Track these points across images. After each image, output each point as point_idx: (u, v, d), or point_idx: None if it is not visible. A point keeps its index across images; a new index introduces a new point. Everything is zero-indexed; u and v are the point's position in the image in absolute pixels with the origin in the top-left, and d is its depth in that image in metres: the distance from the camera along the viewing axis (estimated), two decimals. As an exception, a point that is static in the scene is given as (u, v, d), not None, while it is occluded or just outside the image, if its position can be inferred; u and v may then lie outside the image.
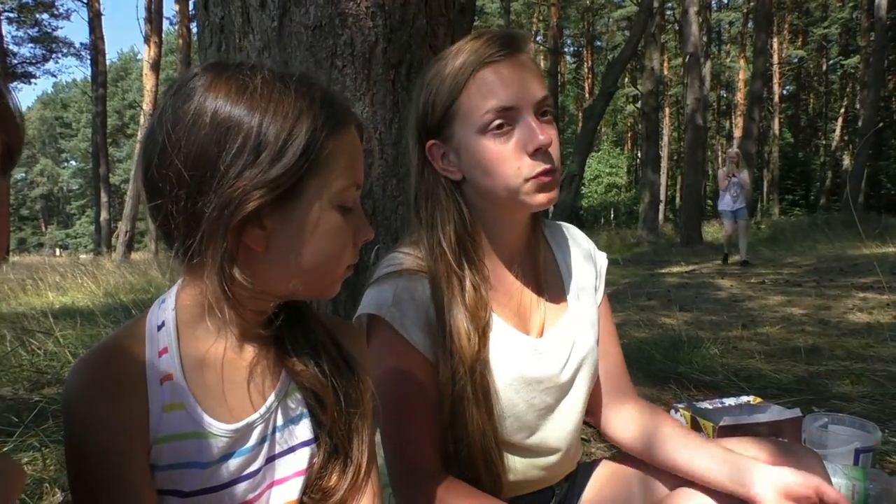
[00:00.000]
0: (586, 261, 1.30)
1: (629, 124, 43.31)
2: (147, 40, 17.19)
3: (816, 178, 34.48)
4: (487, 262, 1.16)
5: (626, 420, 1.30)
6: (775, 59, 31.45)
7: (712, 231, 18.00)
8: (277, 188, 0.73)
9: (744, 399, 1.96)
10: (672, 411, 1.92)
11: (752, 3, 28.85)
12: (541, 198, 1.08)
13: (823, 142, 38.74)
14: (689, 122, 16.79)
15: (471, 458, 1.12)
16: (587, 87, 38.59)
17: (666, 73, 31.91)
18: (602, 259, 1.34)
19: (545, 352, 1.17)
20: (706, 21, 25.64)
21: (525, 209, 1.11)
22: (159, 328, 0.79)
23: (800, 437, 1.76)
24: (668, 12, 28.11)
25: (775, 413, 1.79)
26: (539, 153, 1.06)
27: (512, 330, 1.16)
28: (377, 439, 1.10)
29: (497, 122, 1.05)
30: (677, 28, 26.53)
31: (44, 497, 1.78)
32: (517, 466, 1.18)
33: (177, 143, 0.73)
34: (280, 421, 0.84)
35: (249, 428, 0.81)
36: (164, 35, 19.17)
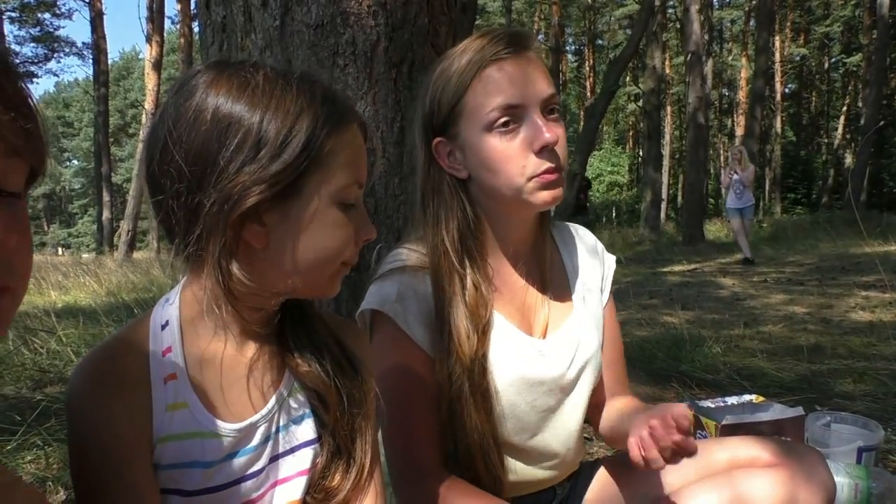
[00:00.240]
0: (593, 262, 1.30)
1: (631, 123, 43.24)
2: (149, 39, 17.18)
3: (818, 177, 34.42)
4: (492, 261, 1.16)
5: (610, 405, 1.32)
6: (777, 57, 31.38)
7: (714, 230, 17.98)
8: (277, 184, 0.73)
9: (746, 398, 1.96)
10: (674, 410, 1.91)
11: (753, 2, 28.83)
12: (545, 196, 1.08)
13: (825, 140, 38.67)
14: (691, 120, 16.75)
15: (470, 457, 1.12)
16: (589, 86, 38.54)
17: (668, 71, 31.85)
18: (610, 261, 1.34)
19: (548, 353, 1.17)
20: (708, 19, 25.63)
21: (529, 208, 1.11)
22: (163, 327, 0.80)
23: (802, 436, 1.76)
24: (670, 10, 28.06)
25: (778, 412, 1.79)
26: (545, 151, 1.05)
27: (515, 330, 1.16)
28: (378, 437, 1.10)
29: (503, 119, 1.05)
30: (679, 26, 26.49)
31: (47, 495, 1.78)
32: (517, 467, 1.18)
33: (178, 140, 0.73)
34: (283, 420, 0.84)
35: (253, 427, 0.81)
36: (165, 34, 19.16)
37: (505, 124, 1.05)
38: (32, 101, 0.51)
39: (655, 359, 3.37)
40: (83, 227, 53.89)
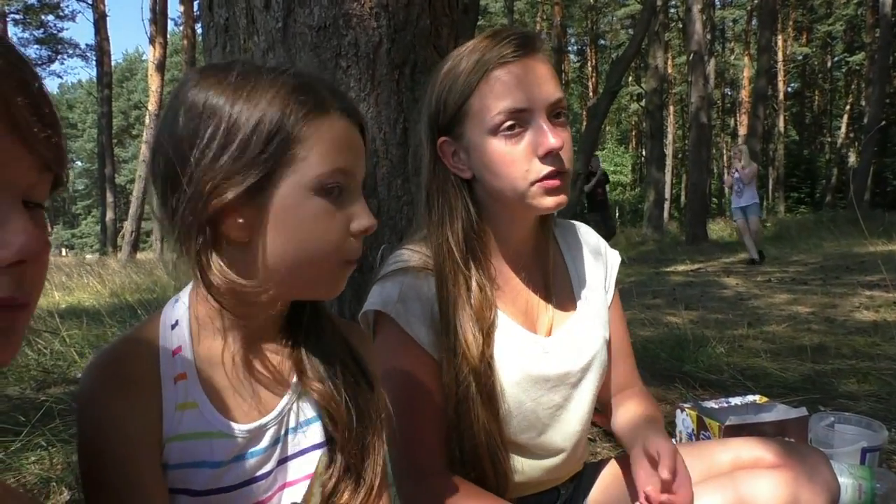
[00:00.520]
0: (596, 260, 1.30)
1: (633, 123, 43.21)
2: (152, 41, 17.21)
3: (822, 176, 34.32)
4: (495, 262, 1.16)
5: (623, 410, 1.31)
6: (780, 56, 31.34)
7: (717, 229, 17.95)
8: (247, 176, 0.73)
9: (750, 398, 1.96)
10: (678, 411, 1.91)
11: (755, 1, 28.76)
12: (548, 202, 1.07)
13: (829, 139, 38.59)
14: (694, 120, 16.74)
15: (476, 457, 1.12)
16: (591, 86, 38.52)
17: (670, 71, 31.82)
18: (614, 257, 1.34)
19: (553, 351, 1.17)
20: (710, 19, 25.59)
21: (532, 212, 1.11)
22: (173, 327, 0.80)
23: (806, 437, 1.76)
24: (672, 10, 28.04)
25: (781, 412, 1.79)
26: (549, 156, 1.05)
27: (519, 329, 1.16)
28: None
29: (508, 123, 1.04)
30: (681, 26, 26.47)
31: (51, 496, 1.79)
32: (523, 467, 1.18)
33: (161, 139, 0.76)
34: (292, 423, 0.84)
35: (262, 429, 0.81)
36: (168, 36, 19.19)
37: (510, 128, 1.05)
38: (58, 115, 0.53)
39: (659, 359, 3.37)
40: (87, 227, 54.02)
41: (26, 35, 32.64)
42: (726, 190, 10.33)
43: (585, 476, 1.33)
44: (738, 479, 1.15)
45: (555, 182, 1.06)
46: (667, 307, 5.61)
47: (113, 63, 26.09)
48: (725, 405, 1.89)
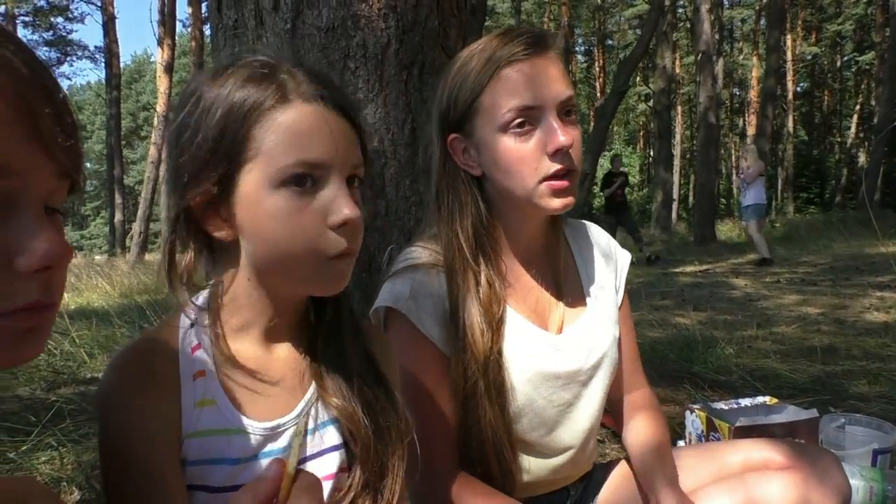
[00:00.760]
0: (606, 260, 1.30)
1: (641, 123, 43.07)
2: (160, 43, 17.29)
3: (831, 176, 34.11)
4: (505, 259, 1.16)
5: (633, 433, 1.30)
6: (789, 56, 31.17)
7: (726, 230, 17.87)
8: (216, 168, 0.73)
9: (760, 399, 1.95)
10: (687, 412, 1.91)
11: (764, 0, 28.63)
12: (556, 203, 1.08)
13: (838, 139, 38.37)
14: (702, 120, 16.67)
15: (482, 454, 1.12)
16: (599, 87, 38.41)
17: (678, 71, 31.72)
18: (624, 258, 1.33)
19: (564, 348, 1.17)
20: (718, 19, 25.50)
21: (540, 212, 1.11)
22: (192, 325, 0.80)
23: (816, 438, 1.75)
24: (680, 10, 27.94)
25: (791, 414, 1.78)
26: (559, 154, 1.05)
27: (530, 326, 1.16)
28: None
29: (518, 120, 1.05)
30: (689, 26, 26.38)
31: (62, 496, 1.80)
32: (530, 466, 1.18)
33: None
34: (311, 424, 0.84)
35: (280, 429, 0.81)
36: (177, 38, 19.29)
37: (520, 125, 1.05)
38: (78, 122, 0.54)
39: (667, 360, 3.35)
40: (95, 229, 54.27)
41: (36, 37, 32.91)
42: (734, 190, 10.25)
43: (595, 476, 1.33)
44: (748, 480, 1.15)
45: (563, 183, 1.06)
46: (675, 308, 5.59)
47: (122, 65, 26.22)
48: (735, 406, 1.89)
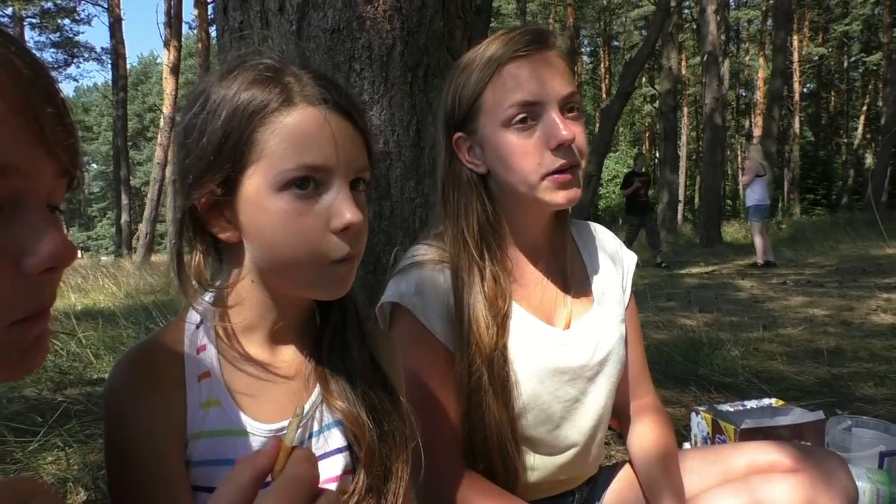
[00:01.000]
0: (613, 261, 1.30)
1: (647, 124, 43.00)
2: (167, 44, 17.37)
3: (838, 177, 33.99)
4: (511, 255, 1.17)
5: (638, 439, 1.30)
6: (795, 56, 31.08)
7: (732, 231, 17.83)
8: (220, 171, 0.73)
9: (766, 401, 1.94)
10: (693, 414, 1.90)
11: (770, 1, 28.54)
12: (559, 197, 1.08)
13: (845, 140, 38.22)
14: (708, 121, 16.64)
15: (486, 449, 1.12)
16: (604, 88, 38.40)
17: (684, 72, 31.64)
18: (630, 258, 1.34)
19: (570, 343, 1.17)
20: (724, 19, 25.43)
21: (544, 207, 1.11)
22: (198, 326, 0.81)
23: (823, 441, 1.74)
24: (686, 11, 27.88)
25: (798, 416, 1.77)
26: (561, 149, 1.05)
27: (536, 321, 1.16)
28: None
29: (520, 116, 1.05)
30: (695, 27, 26.31)
31: (67, 496, 1.80)
32: (535, 463, 1.18)
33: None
34: (316, 426, 0.84)
35: (286, 431, 0.81)
36: (183, 39, 19.35)
37: (522, 121, 1.06)
38: (74, 121, 0.55)
39: (673, 362, 3.35)
40: (102, 229, 54.51)
41: (43, 39, 33.09)
42: (740, 191, 10.18)
43: (600, 479, 1.33)
44: (755, 483, 1.15)
45: (566, 176, 1.06)
46: (681, 310, 5.58)
47: (128, 66, 26.33)
48: (741, 408, 1.88)
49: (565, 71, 1.10)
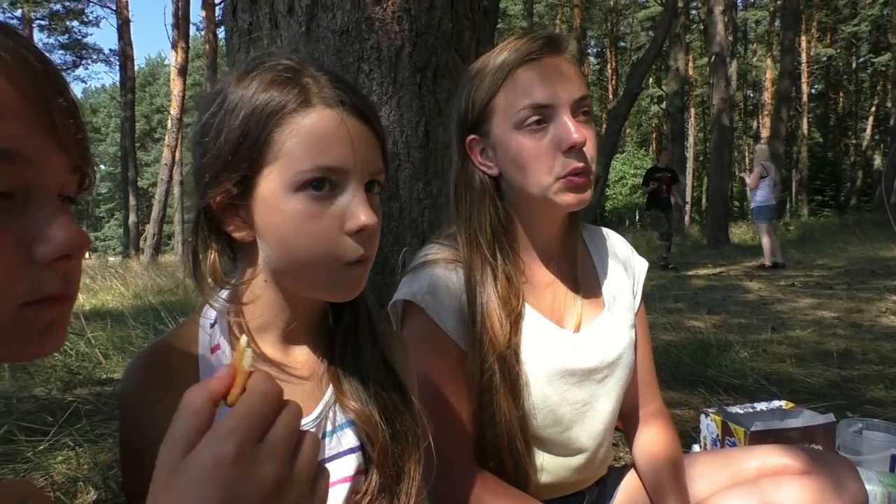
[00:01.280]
0: (624, 266, 1.30)
1: (654, 125, 42.94)
2: (174, 46, 17.43)
3: (847, 179, 33.85)
4: (523, 257, 1.17)
5: (645, 444, 1.30)
6: (803, 57, 30.97)
7: (739, 233, 17.77)
8: (236, 170, 0.74)
9: (776, 404, 1.93)
10: (702, 416, 1.89)
11: (778, 2, 28.44)
12: (570, 198, 1.08)
13: (854, 141, 38.04)
14: (715, 122, 16.59)
15: (496, 447, 1.12)
16: (611, 89, 38.34)
17: (691, 73, 31.59)
18: (641, 264, 1.34)
19: (580, 346, 1.17)
20: (732, 20, 25.34)
21: (555, 208, 1.11)
22: (212, 325, 0.81)
23: (834, 443, 1.73)
24: (693, 12, 27.83)
25: (808, 418, 1.76)
26: (573, 151, 1.06)
27: (547, 323, 1.16)
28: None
29: (532, 118, 1.06)
30: (702, 28, 26.25)
31: (77, 495, 1.81)
32: (546, 465, 1.18)
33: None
34: (329, 427, 0.84)
35: None
36: (190, 41, 19.42)
37: (534, 123, 1.07)
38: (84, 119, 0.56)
39: (682, 363, 3.34)
40: (110, 230, 54.79)
41: (52, 41, 33.28)
42: (747, 193, 10.10)
43: (610, 480, 1.33)
44: (764, 485, 1.15)
45: (578, 179, 1.07)
46: (689, 311, 5.56)
47: (136, 68, 26.46)
48: (751, 410, 1.87)
49: (577, 75, 1.11)
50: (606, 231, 1.34)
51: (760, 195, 9.44)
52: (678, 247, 15.69)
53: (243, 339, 0.54)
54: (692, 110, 34.46)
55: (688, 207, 25.55)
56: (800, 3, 21.31)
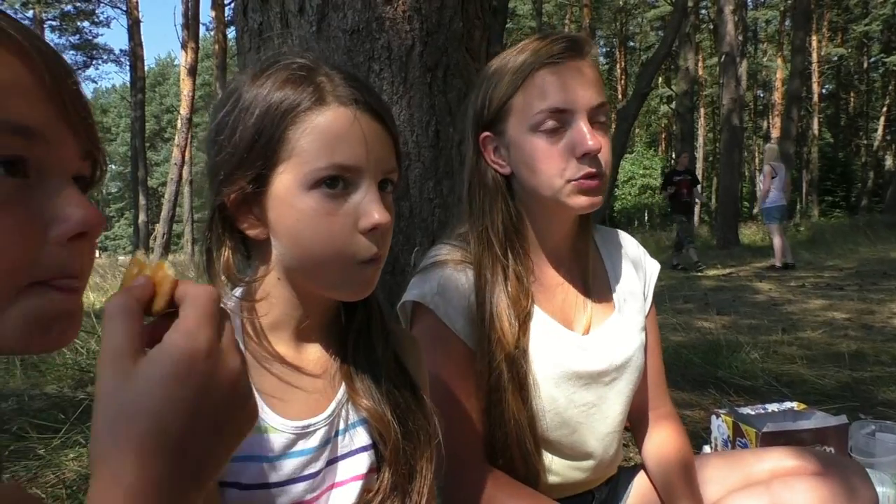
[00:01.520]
0: (635, 268, 1.30)
1: (663, 125, 42.77)
2: (184, 46, 17.50)
3: (857, 179, 33.62)
4: (534, 258, 1.17)
5: (656, 446, 1.29)
6: (814, 57, 30.77)
7: (749, 233, 17.68)
8: (251, 168, 0.74)
9: (787, 405, 1.92)
10: (713, 416, 1.89)
11: (789, 1, 28.28)
12: (581, 201, 1.08)
13: (865, 141, 37.76)
14: (725, 122, 16.51)
15: (506, 446, 1.12)
16: (620, 89, 38.21)
17: (701, 73, 31.46)
18: (653, 266, 1.33)
19: (589, 349, 1.17)
20: (742, 20, 25.21)
21: (566, 210, 1.11)
22: None
23: (846, 445, 1.72)
24: (703, 12, 27.73)
25: (820, 420, 1.75)
26: (586, 157, 1.06)
27: (556, 325, 1.16)
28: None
29: (549, 122, 1.06)
30: (712, 27, 26.15)
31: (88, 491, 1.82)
32: (555, 466, 1.18)
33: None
34: (342, 425, 0.84)
35: (312, 429, 0.81)
36: (200, 41, 19.49)
37: (551, 127, 1.06)
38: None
39: (692, 364, 3.32)
40: (120, 230, 55.05)
41: (63, 41, 33.50)
42: (758, 193, 10.02)
43: (620, 481, 1.32)
44: (775, 487, 1.14)
45: (591, 182, 1.07)
46: (698, 312, 5.54)
47: (146, 68, 26.59)
48: (762, 412, 1.86)
49: (597, 81, 1.10)
50: (619, 233, 1.34)
51: (771, 195, 9.37)
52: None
53: (139, 253, 0.55)
54: (702, 110, 34.32)
55: (697, 208, 25.46)
56: (810, 2, 21.20)
